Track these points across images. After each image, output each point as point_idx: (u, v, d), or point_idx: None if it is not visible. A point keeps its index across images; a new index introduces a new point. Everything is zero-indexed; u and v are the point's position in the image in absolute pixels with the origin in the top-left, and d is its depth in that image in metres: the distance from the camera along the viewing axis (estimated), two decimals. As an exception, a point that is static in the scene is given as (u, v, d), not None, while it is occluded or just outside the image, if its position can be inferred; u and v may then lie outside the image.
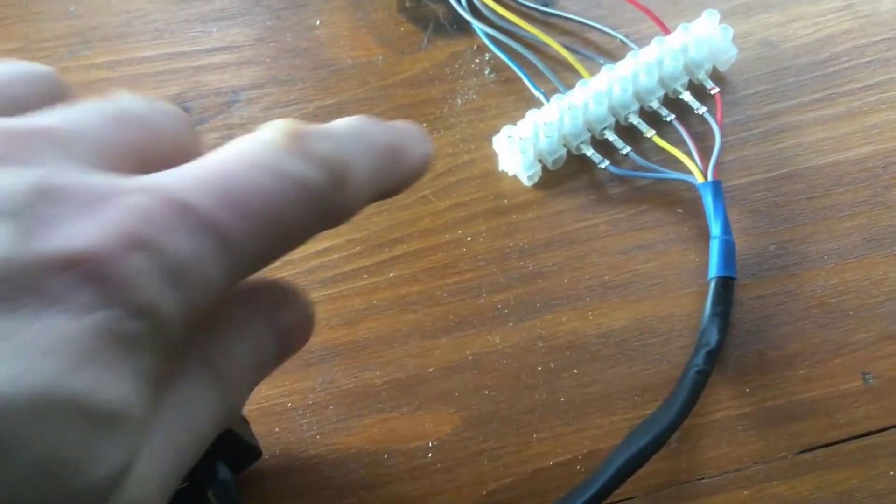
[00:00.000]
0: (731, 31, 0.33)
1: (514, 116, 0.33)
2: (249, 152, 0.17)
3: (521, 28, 0.34)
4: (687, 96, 0.33)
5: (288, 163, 0.17)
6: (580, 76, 0.33)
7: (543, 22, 0.36)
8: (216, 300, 0.17)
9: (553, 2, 0.36)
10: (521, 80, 0.34)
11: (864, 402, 0.28)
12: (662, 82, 0.33)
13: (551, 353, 0.29)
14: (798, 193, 0.32)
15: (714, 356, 0.28)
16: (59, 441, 0.14)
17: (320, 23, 0.35)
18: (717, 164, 0.31)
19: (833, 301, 0.30)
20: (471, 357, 0.29)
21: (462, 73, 0.34)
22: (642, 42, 0.34)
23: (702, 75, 0.33)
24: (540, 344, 0.29)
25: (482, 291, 0.30)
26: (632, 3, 0.34)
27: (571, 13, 0.35)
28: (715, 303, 0.29)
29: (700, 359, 0.28)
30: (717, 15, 0.33)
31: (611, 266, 0.31)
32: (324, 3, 0.36)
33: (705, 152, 0.32)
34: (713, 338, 0.28)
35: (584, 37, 0.35)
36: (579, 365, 0.29)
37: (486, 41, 0.34)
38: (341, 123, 0.19)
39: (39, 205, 0.15)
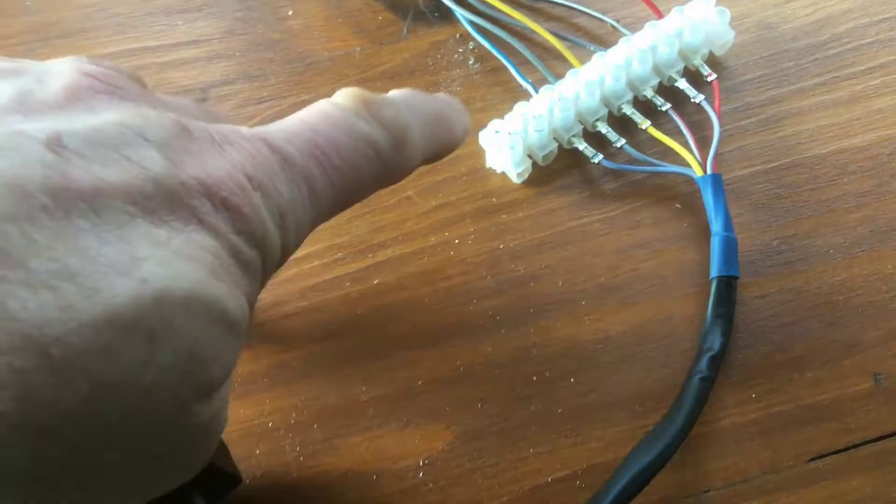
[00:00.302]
0: (727, 14, 0.31)
1: (500, 109, 0.32)
2: (329, 113, 0.20)
3: (507, 14, 0.33)
4: (683, 84, 0.31)
5: (360, 125, 0.20)
6: (570, 65, 0.32)
7: (530, 7, 0.34)
8: (300, 243, 0.20)
9: (539, -15, 0.34)
10: (507, 69, 0.32)
11: (877, 404, 0.27)
12: (657, 69, 0.31)
13: (547, 361, 0.28)
14: (801, 184, 0.30)
15: (718, 361, 0.27)
16: (198, 336, 0.16)
17: (293, 13, 0.33)
18: (716, 155, 0.30)
19: (840, 298, 0.28)
20: (462, 368, 0.28)
21: (445, 63, 0.33)
22: (634, 27, 0.33)
23: (697, 61, 0.32)
24: (534, 352, 0.28)
25: (472, 297, 0.29)
26: (622, -15, 0.33)
27: (560, -4, 0.34)
28: (717, 304, 0.28)
29: (703, 365, 0.27)
30: (712, -2, 0.32)
31: (607, 267, 0.29)
32: (296, -8, 0.34)
33: (703, 143, 0.30)
34: (716, 342, 0.27)
35: (572, 22, 0.34)
36: (576, 373, 0.27)
37: (470, 29, 0.33)
38: (397, 93, 0.22)
39: (180, 138, 0.17)
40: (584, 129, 0.31)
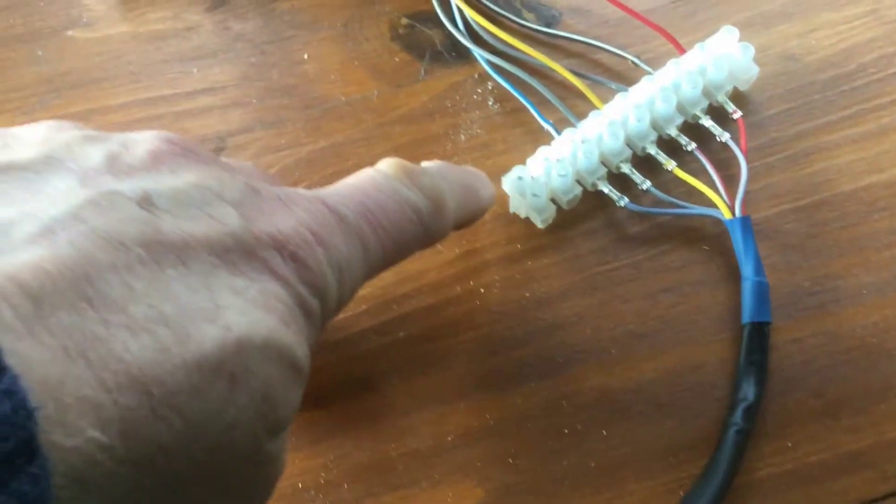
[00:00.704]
0: (752, 49, 0.31)
1: (522, 151, 0.31)
2: (377, 180, 0.23)
3: (525, 53, 0.32)
4: (707, 122, 0.31)
5: (404, 191, 0.23)
6: (590, 103, 0.31)
7: (548, 44, 0.33)
8: (353, 296, 0.22)
9: (556, 21, 0.34)
10: (525, 111, 0.32)
11: (914, 450, 0.27)
12: (681, 108, 0.31)
13: (577, 412, 0.27)
14: (831, 222, 0.30)
15: (754, 412, 0.26)
16: (271, 379, 0.17)
17: (308, 56, 0.33)
18: (745, 197, 0.29)
19: (875, 341, 0.28)
20: (491, 422, 0.27)
21: (464, 105, 0.32)
22: (655, 62, 0.32)
23: (722, 98, 0.31)
24: (564, 403, 0.28)
25: (499, 348, 0.28)
26: (643, 20, 0.32)
27: (577, 33, 0.33)
28: (750, 351, 0.27)
29: (738, 416, 0.26)
30: (736, 32, 0.31)
31: (636, 313, 0.29)
32: (310, 35, 0.34)
33: (730, 182, 0.30)
34: (750, 391, 0.27)
35: (592, 59, 0.33)
36: (608, 425, 0.27)
37: (488, 69, 0.32)
38: (431, 164, 0.25)
39: (252, 198, 0.19)
40: (609, 171, 0.30)
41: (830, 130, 0.31)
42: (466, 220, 0.26)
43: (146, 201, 0.17)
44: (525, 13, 0.34)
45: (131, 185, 0.18)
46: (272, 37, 0.33)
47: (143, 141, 0.20)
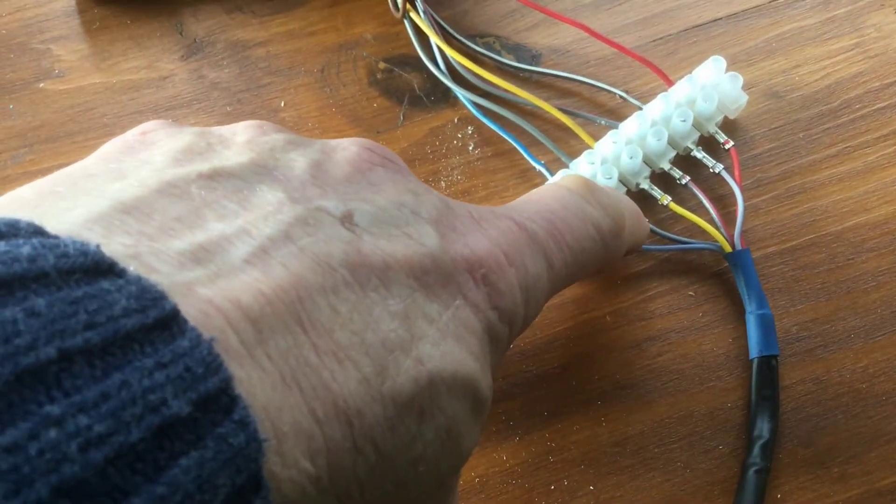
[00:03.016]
0: (740, 79, 0.32)
1: (503, 197, 0.32)
2: (562, 196, 0.23)
3: (511, 92, 0.33)
4: (700, 154, 0.31)
5: (588, 209, 0.23)
6: (580, 140, 0.32)
7: (532, 83, 0.34)
8: (538, 315, 0.22)
9: (537, 62, 0.34)
10: (508, 154, 0.32)
11: (905, 499, 0.27)
12: (673, 141, 0.31)
13: (564, 467, 0.28)
14: (818, 265, 0.30)
15: (770, 449, 0.27)
16: (456, 413, 0.18)
17: (285, 104, 0.34)
18: (743, 229, 0.30)
19: (864, 386, 0.29)
20: (477, 480, 0.28)
21: (444, 150, 0.33)
22: (643, 96, 0.33)
23: (713, 128, 0.32)
24: (551, 458, 0.28)
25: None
26: (631, 55, 0.33)
27: (563, 71, 0.34)
28: (760, 386, 0.28)
29: (756, 455, 0.27)
30: (723, 62, 0.32)
31: (621, 363, 0.29)
32: (287, 82, 0.34)
33: (725, 214, 0.31)
34: (765, 427, 0.27)
35: (578, 96, 0.34)
36: (596, 480, 0.28)
37: (473, 110, 0.33)
38: (608, 186, 0.26)
39: (446, 215, 0.20)
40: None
41: (816, 170, 0.32)
42: (633, 248, 0.26)
43: (348, 219, 0.18)
44: (504, 54, 0.35)
45: (334, 202, 0.18)
46: (248, 84, 0.34)
47: (343, 149, 0.20)
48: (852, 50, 0.34)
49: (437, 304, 0.18)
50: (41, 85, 0.34)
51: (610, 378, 0.29)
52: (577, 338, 0.30)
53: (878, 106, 0.33)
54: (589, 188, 0.24)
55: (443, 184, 0.32)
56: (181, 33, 0.35)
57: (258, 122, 0.21)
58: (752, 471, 0.27)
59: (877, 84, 0.33)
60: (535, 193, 0.23)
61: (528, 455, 0.28)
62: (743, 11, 0.35)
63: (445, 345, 0.17)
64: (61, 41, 0.35)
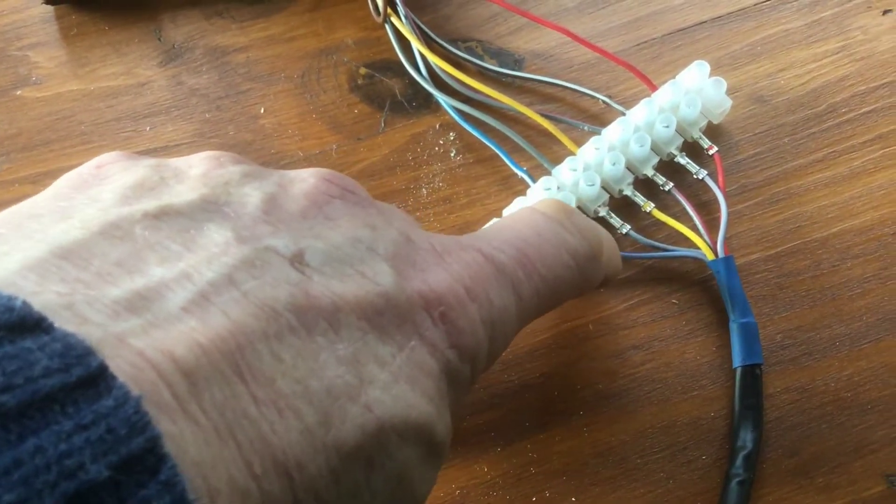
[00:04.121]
0: (724, 84, 0.31)
1: (485, 204, 0.32)
2: (537, 222, 0.22)
3: (493, 98, 0.32)
4: (683, 159, 0.31)
5: (564, 234, 0.22)
6: (563, 147, 0.31)
7: (514, 89, 0.34)
8: (505, 349, 0.21)
9: (520, 67, 0.34)
10: (490, 160, 0.32)
11: (890, 509, 0.27)
12: (656, 147, 0.31)
13: (546, 479, 0.28)
14: (802, 272, 0.30)
15: (754, 459, 0.27)
16: (407, 460, 0.17)
17: (264, 110, 0.33)
18: (727, 236, 0.30)
19: (849, 395, 0.28)
20: (458, 492, 0.28)
21: (425, 157, 0.33)
22: (627, 101, 0.33)
23: (696, 133, 0.32)
24: (532, 470, 0.28)
25: (465, 413, 0.29)
26: (614, 59, 0.33)
27: (546, 76, 0.33)
28: (744, 395, 0.28)
29: (739, 466, 0.27)
30: (707, 66, 0.31)
31: (604, 372, 0.29)
32: (267, 88, 0.34)
33: (709, 220, 0.31)
34: (748, 437, 0.27)
35: (561, 102, 0.34)
36: (578, 491, 0.27)
37: (455, 116, 0.32)
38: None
39: (405, 249, 0.19)
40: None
41: (801, 175, 0.32)
42: (610, 275, 0.25)
43: (299, 259, 0.17)
44: (487, 59, 0.34)
45: (285, 241, 0.18)
46: (227, 91, 0.34)
47: (301, 181, 0.20)
48: (838, 53, 0.34)
49: (391, 345, 0.17)
50: (18, 92, 0.34)
51: (592, 388, 0.29)
52: (559, 347, 0.30)
53: (865, 110, 0.33)
54: (566, 212, 0.23)
55: (424, 191, 0.32)
56: (160, 39, 0.35)
57: (216, 153, 0.21)
58: (735, 481, 0.27)
59: (863, 87, 0.33)
60: (508, 219, 0.23)
61: (509, 466, 0.28)
62: (728, 14, 0.35)
63: (397, 388, 0.17)
64: (38, 48, 0.35)
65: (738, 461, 0.27)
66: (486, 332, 0.19)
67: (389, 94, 0.34)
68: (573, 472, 0.28)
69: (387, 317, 0.18)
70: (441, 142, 0.33)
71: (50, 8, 0.35)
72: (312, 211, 0.19)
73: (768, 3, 0.35)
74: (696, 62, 0.32)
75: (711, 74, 0.32)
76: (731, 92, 0.32)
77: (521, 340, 0.30)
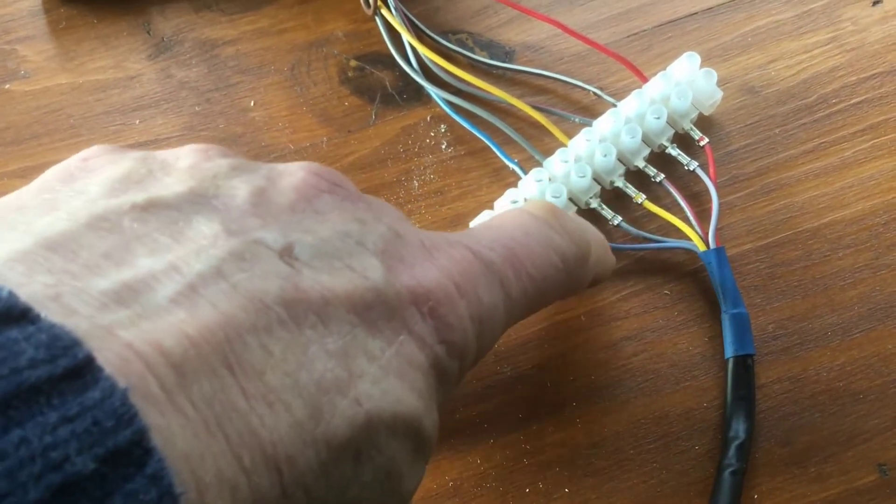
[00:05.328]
0: (714, 75, 0.31)
1: (477, 196, 0.32)
2: (525, 223, 0.22)
3: (484, 90, 0.32)
4: (674, 151, 0.31)
5: (553, 235, 0.22)
6: (554, 138, 0.31)
7: (505, 81, 0.34)
8: (493, 347, 0.21)
9: (510, 59, 0.34)
10: (481, 152, 0.32)
11: (883, 497, 0.27)
12: (647, 139, 0.31)
13: (539, 470, 0.28)
14: (794, 262, 0.30)
15: (747, 450, 0.27)
16: (395, 454, 0.17)
17: (255, 103, 0.33)
18: (718, 227, 0.30)
19: (841, 384, 0.28)
20: (451, 483, 0.28)
21: (416, 149, 0.32)
22: (618, 93, 0.33)
23: (687, 125, 0.32)
24: (526, 461, 0.28)
25: (457, 405, 0.29)
26: (604, 51, 0.33)
27: (537, 68, 0.33)
28: (736, 386, 0.28)
29: (732, 456, 0.27)
30: (697, 58, 0.31)
31: (596, 364, 0.29)
32: (257, 81, 0.34)
33: (701, 212, 0.31)
34: (741, 428, 0.27)
35: (552, 93, 0.34)
36: (571, 482, 0.27)
37: (446, 108, 0.32)
38: (573, 214, 0.26)
39: (394, 244, 0.19)
40: (578, 209, 0.31)
41: (792, 166, 0.32)
42: (598, 279, 0.26)
43: (288, 253, 0.17)
44: (477, 51, 0.34)
45: (274, 234, 0.18)
46: (217, 84, 0.34)
47: (290, 174, 0.20)
48: (829, 44, 0.34)
49: (380, 339, 0.17)
50: (7, 86, 0.34)
51: (585, 379, 0.29)
52: (552, 339, 0.30)
53: (855, 100, 0.33)
54: (554, 214, 0.23)
55: (415, 183, 0.32)
56: (149, 32, 0.35)
57: (203, 146, 0.20)
58: (728, 471, 0.27)
59: (853, 78, 0.33)
60: (497, 219, 0.23)
61: (502, 458, 0.28)
62: (718, 6, 0.35)
63: (387, 383, 0.17)
64: (27, 41, 0.35)
65: (731, 451, 0.27)
66: (474, 328, 0.19)
67: (380, 86, 0.34)
68: (566, 463, 0.28)
69: (376, 311, 0.18)
70: (432, 134, 0.33)
71: (38, 1, 0.35)
72: (301, 205, 0.19)
73: (759, -6, 0.35)
74: (686, 53, 0.32)
75: (702, 66, 0.32)
76: (721, 83, 0.32)
77: (514, 332, 0.30)
